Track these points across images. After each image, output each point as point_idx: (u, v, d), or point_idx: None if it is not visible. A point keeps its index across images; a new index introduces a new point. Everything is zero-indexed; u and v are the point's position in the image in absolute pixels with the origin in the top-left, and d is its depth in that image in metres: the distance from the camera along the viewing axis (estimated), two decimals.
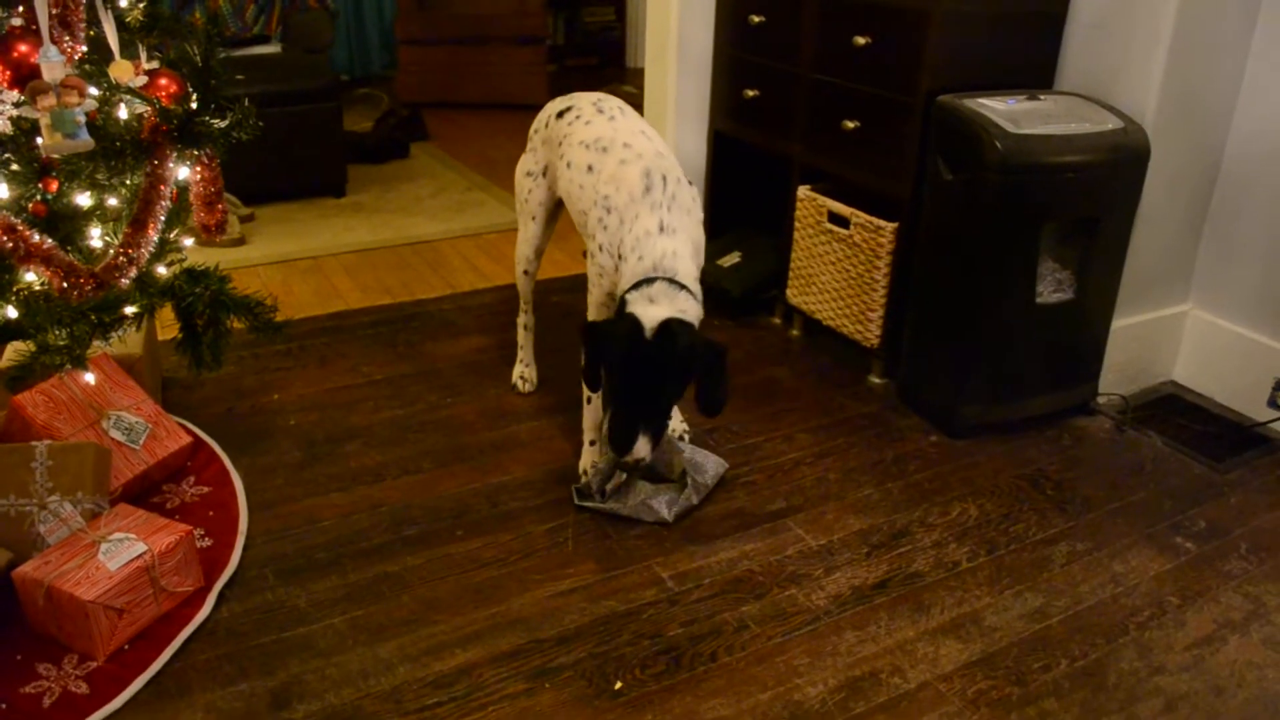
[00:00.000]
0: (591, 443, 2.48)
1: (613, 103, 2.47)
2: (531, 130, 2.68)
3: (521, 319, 2.91)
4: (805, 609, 2.11)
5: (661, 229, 2.15)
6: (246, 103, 2.10)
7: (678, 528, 2.34)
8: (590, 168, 2.32)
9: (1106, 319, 2.83)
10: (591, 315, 2.39)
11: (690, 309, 2.12)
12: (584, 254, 2.45)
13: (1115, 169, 2.61)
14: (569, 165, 2.40)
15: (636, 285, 2.12)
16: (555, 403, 2.82)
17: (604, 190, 2.24)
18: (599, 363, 2.16)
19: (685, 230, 2.19)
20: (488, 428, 2.73)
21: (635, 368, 2.10)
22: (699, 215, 2.27)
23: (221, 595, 2.09)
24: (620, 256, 2.18)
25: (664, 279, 2.11)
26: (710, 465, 2.46)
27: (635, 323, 2.09)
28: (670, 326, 2.08)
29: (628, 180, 2.21)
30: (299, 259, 3.89)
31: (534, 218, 2.69)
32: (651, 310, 2.09)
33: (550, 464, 2.57)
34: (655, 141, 2.33)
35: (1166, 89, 2.65)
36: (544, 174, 2.58)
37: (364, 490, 2.45)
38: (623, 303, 2.13)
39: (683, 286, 2.12)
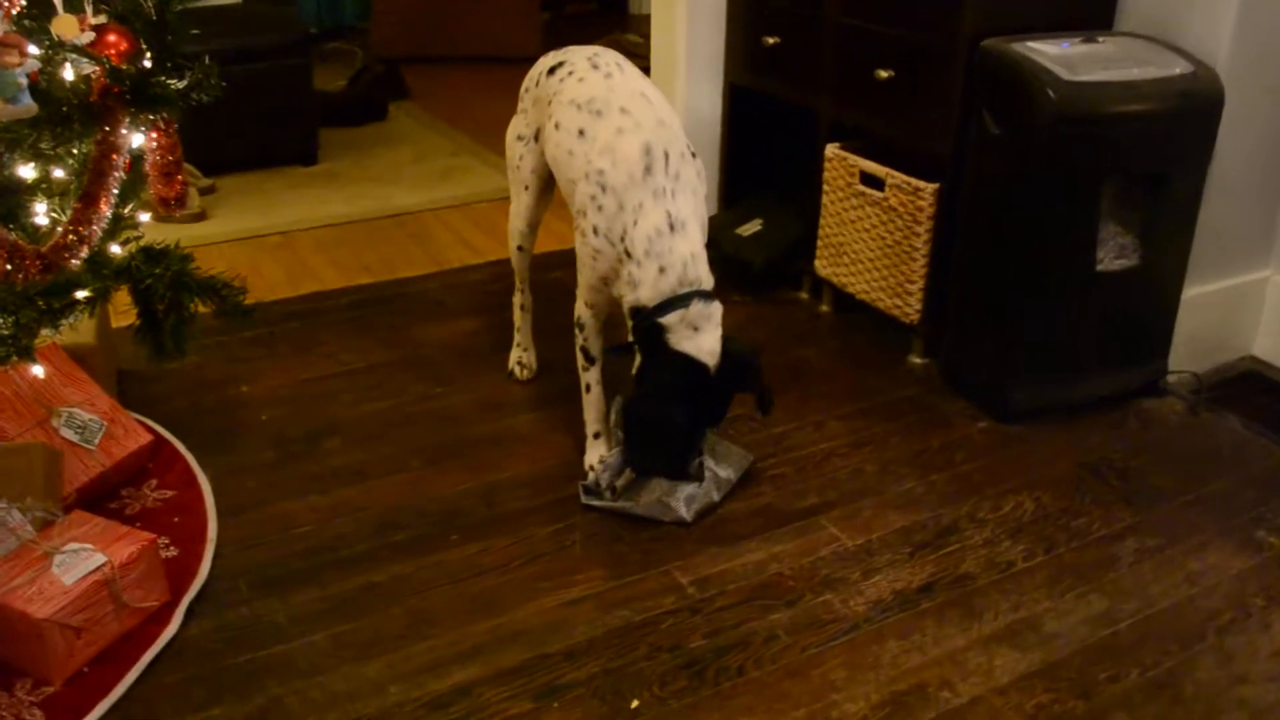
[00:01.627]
0: (596, 435, 2.51)
1: (610, 58, 2.46)
2: (522, 89, 2.69)
3: (517, 298, 2.92)
4: (842, 616, 2.12)
5: (671, 226, 2.19)
6: (207, 60, 2.10)
7: (698, 528, 2.35)
8: (582, 132, 2.33)
9: (1176, 288, 2.84)
10: (583, 298, 2.41)
11: (719, 314, 2.23)
12: None
13: (1184, 119, 2.61)
14: (557, 126, 2.41)
15: (668, 306, 2.18)
16: (557, 390, 2.83)
17: (598, 163, 2.25)
18: (666, 429, 2.22)
19: (694, 216, 2.24)
20: (482, 420, 2.75)
21: (706, 407, 2.25)
22: (704, 190, 2.32)
23: (190, 610, 2.09)
24: (628, 254, 2.22)
25: (696, 295, 2.18)
26: (734, 458, 2.47)
27: (695, 365, 2.19)
28: (731, 353, 2.23)
29: (626, 156, 2.22)
30: (267, 235, 3.90)
31: (527, 187, 2.71)
32: (701, 341, 2.20)
33: (553, 459, 2.58)
34: (657, 105, 2.33)
35: (1242, 27, 2.65)
36: (536, 138, 2.60)
37: (345, 492, 2.46)
38: (657, 330, 2.19)
39: (711, 296, 2.21)
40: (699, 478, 2.36)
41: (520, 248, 2.82)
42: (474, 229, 3.98)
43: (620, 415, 2.41)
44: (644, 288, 2.21)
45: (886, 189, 2.98)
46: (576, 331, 2.46)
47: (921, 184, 2.87)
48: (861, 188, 3.06)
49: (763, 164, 3.64)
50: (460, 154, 4.83)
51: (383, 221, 4.05)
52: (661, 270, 2.19)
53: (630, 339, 2.30)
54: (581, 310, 2.44)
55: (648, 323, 2.21)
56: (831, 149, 3.15)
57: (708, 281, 2.23)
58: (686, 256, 2.20)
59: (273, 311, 3.29)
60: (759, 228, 3.48)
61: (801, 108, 3.26)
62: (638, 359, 2.28)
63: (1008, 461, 2.62)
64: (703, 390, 2.22)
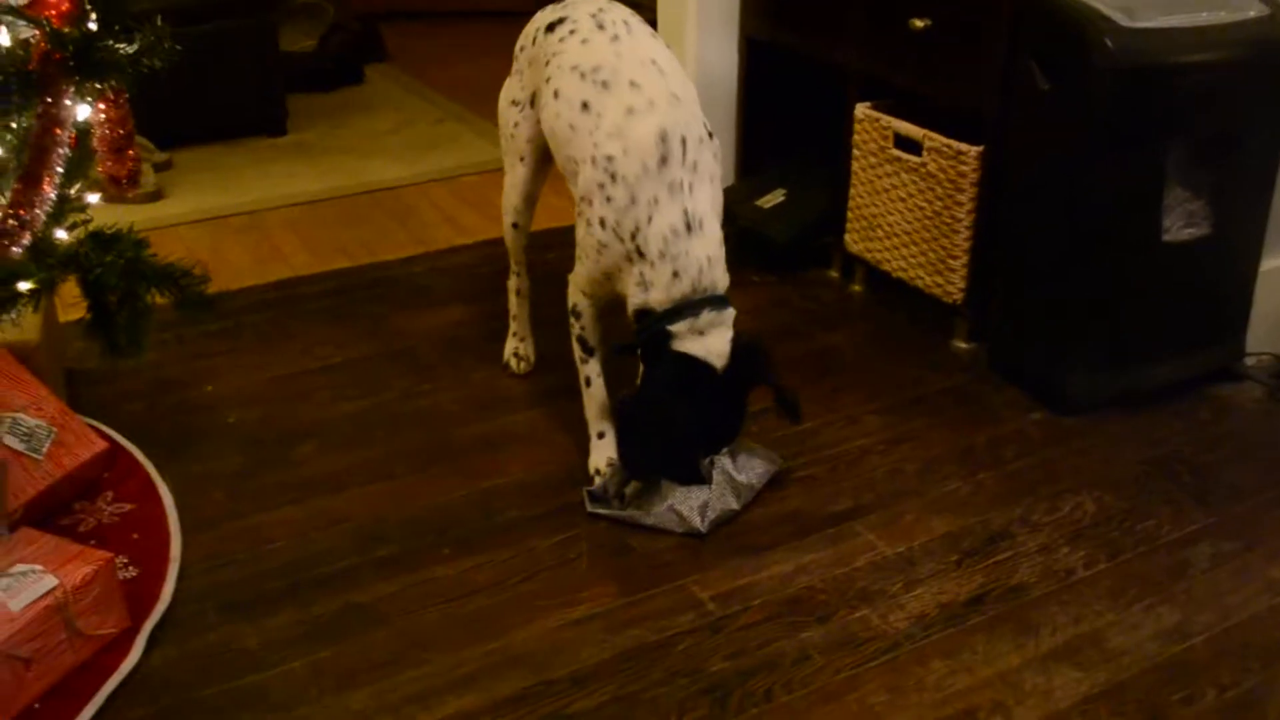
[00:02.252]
0: (601, 435, 2.52)
1: (617, 14, 2.46)
2: (517, 47, 2.68)
3: (513, 282, 2.91)
4: (881, 634, 2.12)
5: (689, 226, 2.21)
6: (159, 21, 2.10)
7: (717, 537, 2.35)
8: (586, 105, 2.33)
9: (1253, 260, 2.84)
10: (580, 286, 2.43)
11: (730, 318, 2.27)
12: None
13: (1260, 70, 2.60)
14: (556, 94, 2.41)
15: (677, 314, 2.22)
16: (558, 384, 2.81)
17: (607, 148, 2.26)
18: (665, 430, 2.24)
19: (712, 209, 2.27)
20: (475, 419, 2.75)
21: (715, 412, 2.27)
22: (720, 173, 2.35)
23: (153, 637, 2.09)
24: (639, 253, 2.24)
25: (709, 303, 2.22)
26: (758, 462, 2.47)
27: (700, 365, 2.22)
28: (739, 349, 2.25)
29: (639, 142, 2.23)
30: (231, 215, 3.91)
31: (523, 158, 2.71)
32: (708, 343, 2.23)
33: (555, 462, 2.58)
34: (670, 76, 2.33)
35: None
36: (532, 103, 2.60)
37: (324, 502, 2.46)
38: (662, 336, 2.22)
39: (725, 302, 2.25)
40: (706, 480, 2.36)
41: (515, 225, 2.81)
42: (462, 205, 3.97)
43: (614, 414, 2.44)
44: (655, 290, 2.24)
45: (924, 153, 2.97)
46: (572, 320, 2.47)
47: (963, 147, 2.86)
48: (896, 152, 3.05)
49: (785, 127, 3.62)
50: (446, 121, 4.84)
51: (360, 198, 4.04)
52: (675, 275, 2.22)
53: (634, 340, 2.32)
54: (578, 298, 2.45)
55: (655, 329, 2.24)
56: (862, 109, 3.14)
57: (723, 284, 2.27)
58: (703, 260, 2.22)
59: (238, 301, 3.28)
60: (782, 199, 3.46)
61: (827, 63, 3.25)
62: (641, 365, 2.32)
63: (1065, 458, 2.61)
64: (709, 392, 2.24)
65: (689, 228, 2.21)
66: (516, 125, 2.67)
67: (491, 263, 3.41)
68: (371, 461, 2.59)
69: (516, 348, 2.94)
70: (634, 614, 2.15)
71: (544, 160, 2.69)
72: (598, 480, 2.45)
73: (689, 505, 2.34)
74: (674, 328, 2.22)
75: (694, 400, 2.23)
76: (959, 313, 3.04)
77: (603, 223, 2.27)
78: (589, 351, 2.49)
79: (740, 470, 2.42)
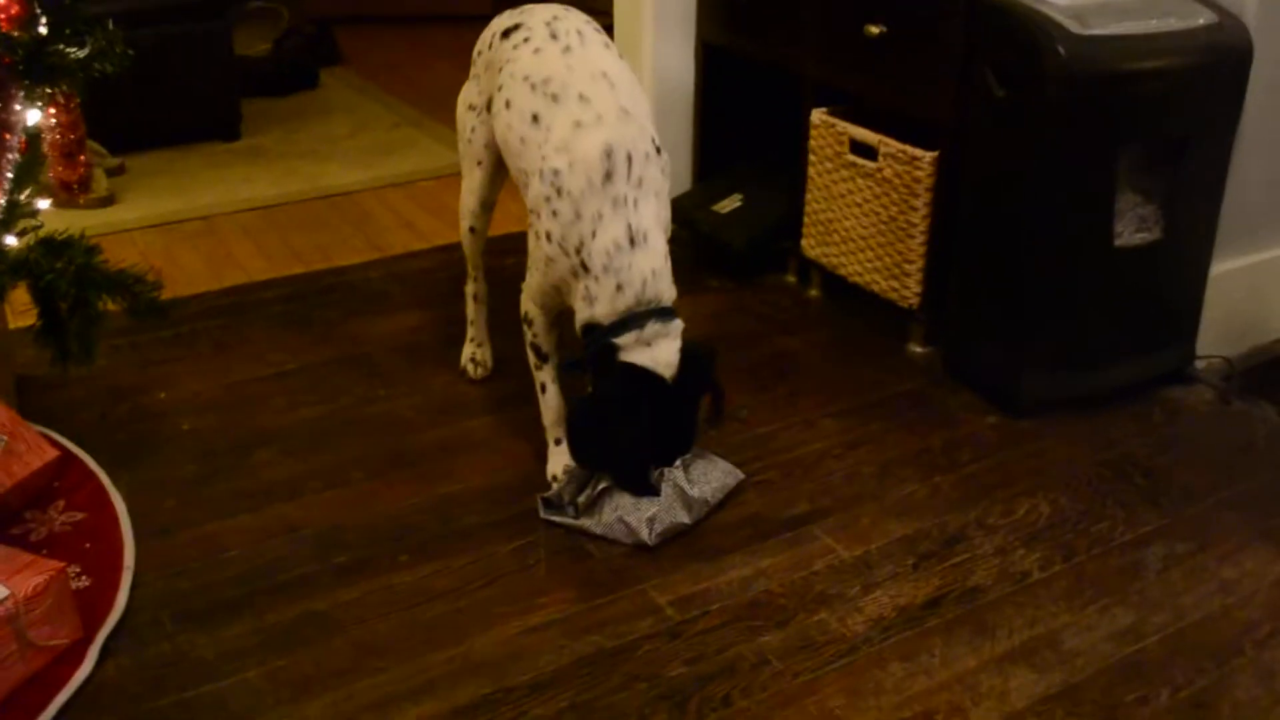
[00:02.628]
0: (557, 441, 2.52)
1: (571, 23, 2.46)
2: (475, 51, 2.69)
3: (470, 287, 2.92)
4: (839, 637, 2.12)
5: (632, 241, 2.24)
6: (111, 25, 2.09)
7: (676, 541, 2.35)
8: (535, 118, 2.34)
9: (1203, 264, 2.85)
10: (529, 299, 2.45)
11: (678, 329, 2.30)
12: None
13: (1209, 76, 2.61)
14: (508, 104, 2.43)
15: (622, 327, 2.24)
16: (516, 390, 2.80)
17: (553, 161, 2.27)
18: (612, 446, 2.30)
19: (657, 224, 2.29)
20: (432, 425, 2.75)
21: (665, 424, 2.30)
22: (668, 186, 2.36)
23: (106, 648, 2.07)
24: (584, 266, 2.26)
25: (654, 314, 2.25)
26: (715, 474, 2.46)
27: (648, 376, 2.25)
28: (687, 359, 2.28)
29: (584, 157, 2.24)
30: (185, 220, 3.88)
31: (480, 162, 2.71)
32: (655, 354, 2.25)
33: (513, 468, 2.59)
34: (620, 88, 2.34)
35: None
36: (489, 107, 2.59)
37: (280, 509, 2.45)
38: (609, 350, 2.25)
39: (671, 314, 2.28)
40: (656, 492, 2.36)
41: (472, 229, 2.81)
42: (419, 210, 3.96)
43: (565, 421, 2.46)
44: (600, 304, 2.26)
45: (880, 159, 2.97)
46: (525, 328, 2.48)
47: (919, 152, 2.87)
48: (852, 158, 3.05)
49: (741, 132, 3.63)
50: (402, 126, 4.81)
51: (315, 203, 4.03)
52: (619, 288, 2.24)
53: (582, 355, 2.34)
54: (529, 307, 2.46)
55: (601, 343, 2.26)
56: (818, 115, 3.14)
57: (669, 296, 2.29)
58: (647, 273, 2.25)
59: (192, 307, 3.27)
60: (739, 204, 3.47)
61: (783, 69, 3.25)
62: (590, 379, 2.35)
63: (1020, 460, 2.63)
64: (658, 403, 2.27)
65: (633, 242, 2.23)
66: (474, 130, 2.67)
67: (449, 268, 3.42)
68: (328, 468, 2.58)
69: (474, 353, 2.93)
70: (593, 620, 2.15)
71: (501, 165, 2.67)
72: (555, 486, 2.45)
73: (637, 517, 2.33)
74: (620, 340, 2.24)
75: (642, 412, 2.26)
76: (914, 317, 3.05)
77: (549, 236, 2.29)
78: (543, 358, 2.50)
79: (694, 483, 2.40)
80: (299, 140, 4.61)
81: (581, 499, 2.38)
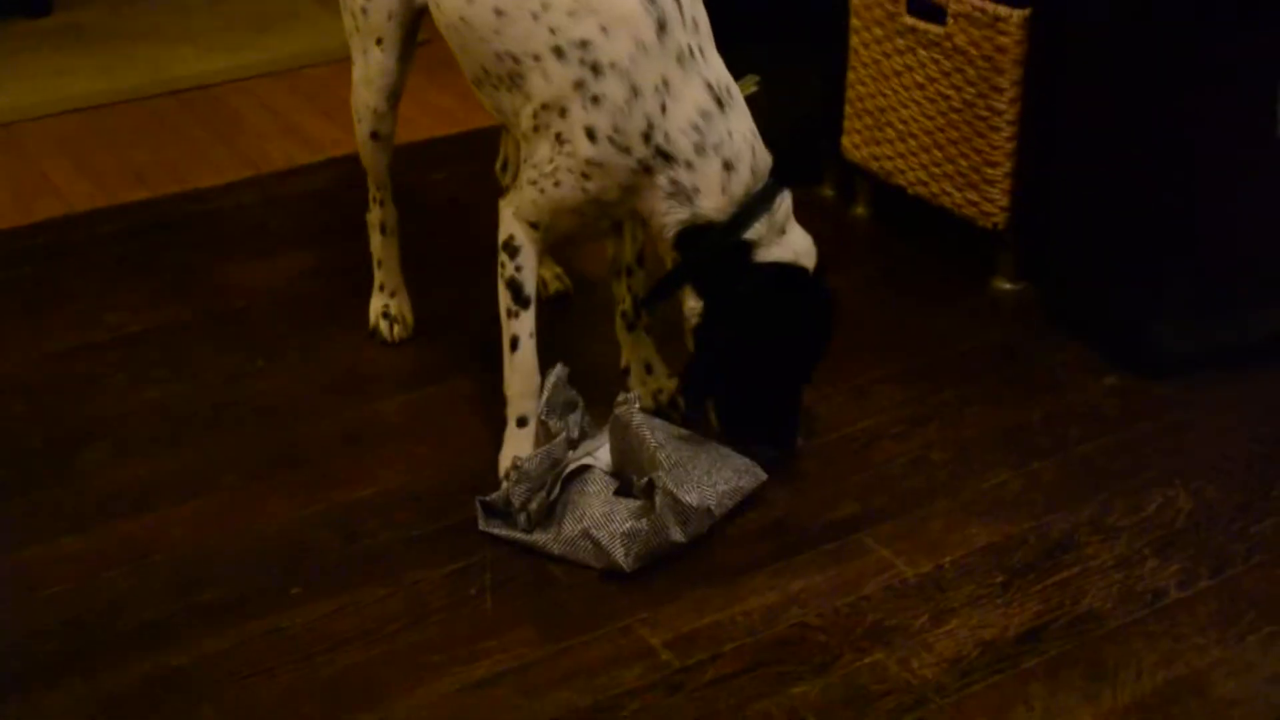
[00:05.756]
0: (522, 421, 2.28)
1: None
2: None
3: (374, 214, 2.66)
4: (902, 685, 1.91)
5: (720, 101, 2.10)
6: None
7: (675, 560, 2.13)
8: None
9: None
10: (530, 217, 2.21)
11: (790, 200, 2.23)
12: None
13: None
14: None
15: (748, 215, 2.11)
16: (444, 356, 2.65)
17: (574, 31, 2.06)
18: (773, 379, 2.22)
19: (726, 73, 2.18)
20: (331, 408, 2.53)
21: (819, 333, 2.24)
22: None
23: None
24: (663, 155, 2.08)
25: (772, 189, 2.14)
26: (725, 473, 2.22)
27: (798, 275, 2.17)
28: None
29: (621, 13, 2.04)
30: None
31: (380, 40, 2.45)
32: (794, 242, 2.17)
33: (443, 464, 2.39)
34: None
35: None
36: None
37: (120, 528, 2.24)
38: (743, 250, 2.13)
39: (778, 183, 2.19)
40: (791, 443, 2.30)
41: (374, 134, 2.56)
42: (308, 109, 3.67)
43: (685, 376, 2.32)
44: (707, 197, 2.09)
45: (950, 20, 2.73)
46: (504, 259, 2.25)
47: (1004, 10, 2.63)
48: (911, 20, 2.81)
49: None
50: None
51: (161, 101, 3.69)
52: (726, 166, 2.09)
53: (673, 272, 2.20)
54: (519, 229, 2.23)
55: (728, 243, 2.11)
56: None
57: (769, 160, 2.20)
58: (750, 138, 2.13)
59: None
60: (754, 89, 3.08)
61: None
62: (689, 302, 2.18)
63: (1152, 438, 2.41)
64: (814, 306, 2.22)
65: (720, 103, 2.09)
66: None
67: (349, 189, 3.07)
68: (187, 470, 2.38)
69: (386, 306, 2.68)
70: (561, 669, 1.95)
71: (409, 40, 2.48)
72: (504, 485, 2.19)
73: (609, 530, 2.11)
74: (753, 234, 2.12)
75: (803, 325, 2.22)
76: (1000, 242, 2.83)
77: (591, 134, 2.08)
78: (523, 303, 2.25)
79: (694, 485, 2.16)
80: (135, 14, 4.20)
81: (534, 505, 2.13)
